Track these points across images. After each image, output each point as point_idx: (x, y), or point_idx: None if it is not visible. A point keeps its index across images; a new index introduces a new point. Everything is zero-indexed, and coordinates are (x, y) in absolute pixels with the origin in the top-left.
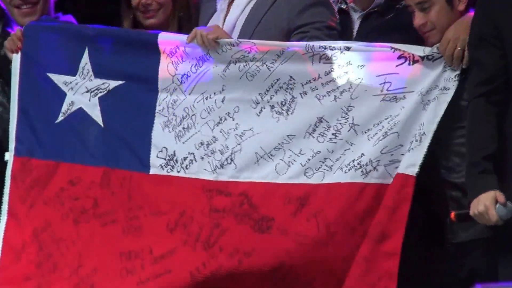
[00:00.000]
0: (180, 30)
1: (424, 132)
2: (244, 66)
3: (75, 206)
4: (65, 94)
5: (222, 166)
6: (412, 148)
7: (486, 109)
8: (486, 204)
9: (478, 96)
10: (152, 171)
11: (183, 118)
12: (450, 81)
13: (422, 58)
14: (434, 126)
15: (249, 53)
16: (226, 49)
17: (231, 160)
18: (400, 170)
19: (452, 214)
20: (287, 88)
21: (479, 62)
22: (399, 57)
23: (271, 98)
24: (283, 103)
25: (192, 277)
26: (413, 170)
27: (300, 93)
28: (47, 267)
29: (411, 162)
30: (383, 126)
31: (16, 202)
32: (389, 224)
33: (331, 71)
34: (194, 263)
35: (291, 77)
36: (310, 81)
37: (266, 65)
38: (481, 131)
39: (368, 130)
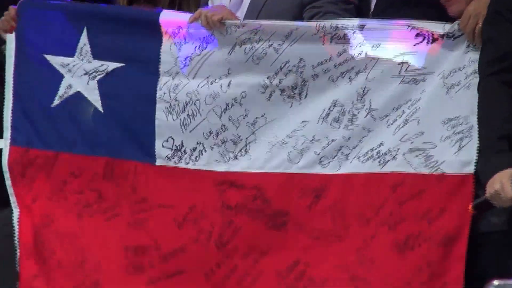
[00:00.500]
0: (180, 7)
1: (472, 126)
2: (250, 48)
3: (79, 201)
4: (63, 77)
5: (236, 157)
6: (463, 146)
7: (498, 87)
8: (502, 181)
9: (490, 75)
10: (159, 162)
11: (186, 104)
12: (477, 62)
13: (442, 36)
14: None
15: (255, 34)
16: (231, 31)
17: (246, 151)
18: (454, 170)
19: (470, 207)
20: (297, 71)
21: (492, 39)
22: (417, 35)
23: (280, 82)
24: (294, 86)
25: (207, 279)
26: (470, 169)
27: (312, 76)
28: (52, 264)
29: (466, 160)
30: (403, 112)
31: (20, 194)
32: (451, 228)
33: (344, 51)
34: (208, 263)
35: (300, 59)
36: (321, 63)
37: (273, 47)
38: (494, 111)
39: (387, 115)
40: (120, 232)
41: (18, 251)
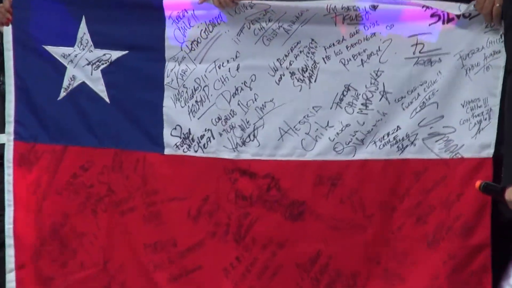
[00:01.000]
0: None
1: (490, 108)
2: (259, 29)
3: (90, 194)
4: (65, 68)
5: (244, 143)
6: (482, 129)
7: None
8: None
9: None
10: (167, 151)
11: (195, 90)
12: (497, 42)
13: (458, 16)
14: (498, 99)
15: (264, 15)
16: (240, 11)
17: (254, 136)
18: (472, 154)
19: (478, 183)
20: (308, 53)
21: None
22: (432, 15)
23: (290, 64)
24: (304, 69)
25: (226, 273)
26: (489, 152)
27: (323, 58)
28: (73, 266)
29: (484, 143)
30: (418, 94)
31: (24, 192)
32: (471, 214)
33: (357, 32)
34: (227, 257)
35: (312, 40)
36: (333, 44)
37: (284, 28)
38: None
39: (402, 98)
40: (137, 228)
41: (12, 251)
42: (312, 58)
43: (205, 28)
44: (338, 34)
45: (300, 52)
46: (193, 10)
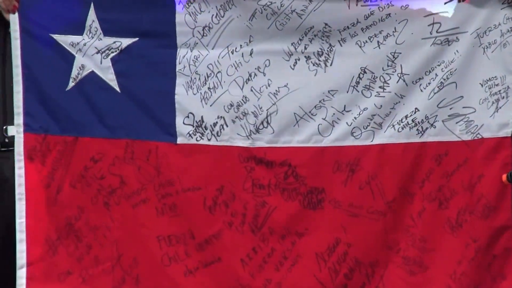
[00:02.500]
0: None
1: (508, 86)
2: (272, 14)
3: (102, 187)
4: (74, 57)
5: (257, 130)
6: (500, 107)
7: None
8: None
9: None
10: (180, 140)
11: (208, 77)
12: None
13: None
14: None
15: None
16: None
17: (267, 123)
18: (490, 133)
19: (504, 177)
20: (323, 37)
21: None
22: None
23: (305, 48)
24: (320, 53)
25: (244, 265)
26: (507, 131)
27: (338, 41)
28: (89, 260)
29: (502, 122)
30: (436, 75)
31: (37, 186)
32: (492, 196)
33: (371, 14)
34: (244, 249)
35: (326, 24)
36: (348, 27)
37: (296, 12)
38: None
39: (419, 79)
40: (150, 220)
41: (24, 246)
42: (327, 41)
43: (216, 13)
44: (352, 17)
45: (315, 36)
46: None
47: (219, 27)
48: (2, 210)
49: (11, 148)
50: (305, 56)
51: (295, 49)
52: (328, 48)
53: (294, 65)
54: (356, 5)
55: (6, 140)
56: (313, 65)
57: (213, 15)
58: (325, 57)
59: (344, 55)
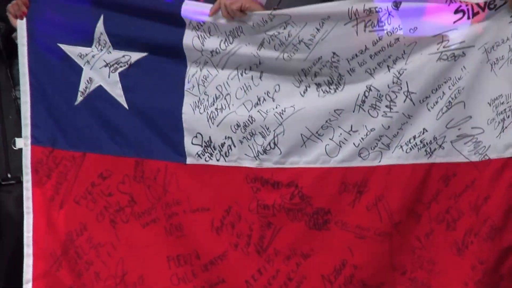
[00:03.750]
0: None
1: None
2: (280, 44)
3: (109, 204)
4: (82, 69)
5: (265, 151)
6: (506, 127)
7: None
8: None
9: None
10: (189, 160)
11: (216, 98)
12: None
13: (483, 7)
14: None
15: (284, 28)
16: (259, 25)
17: (275, 144)
18: (496, 154)
19: None
20: (331, 66)
21: None
22: (456, 11)
23: (315, 75)
24: (330, 81)
25: (249, 286)
26: None
27: (347, 71)
28: (88, 277)
29: (508, 142)
30: (443, 93)
31: (43, 199)
32: (499, 217)
33: (380, 39)
34: (249, 270)
35: (334, 53)
36: (356, 55)
37: (304, 43)
38: None
39: (426, 98)
40: (160, 240)
41: (30, 260)
42: (337, 70)
43: (225, 39)
44: (360, 44)
45: (323, 66)
46: (213, 20)
47: (226, 52)
48: (3, 247)
49: (12, 182)
50: (315, 83)
51: (306, 76)
52: (337, 76)
53: (304, 92)
54: (364, 31)
55: (9, 175)
56: (323, 92)
57: (221, 40)
58: (335, 85)
59: (354, 82)
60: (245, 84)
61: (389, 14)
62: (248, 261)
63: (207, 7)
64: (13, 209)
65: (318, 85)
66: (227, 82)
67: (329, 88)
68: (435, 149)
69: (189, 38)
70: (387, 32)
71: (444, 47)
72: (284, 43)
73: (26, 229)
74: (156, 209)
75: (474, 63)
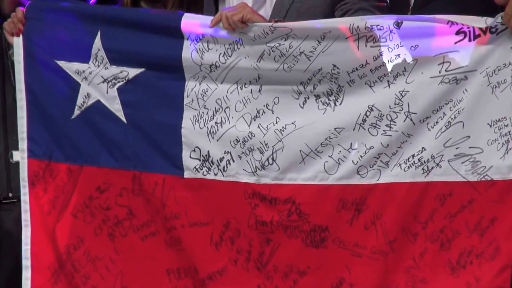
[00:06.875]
0: (189, 8)
1: None
2: (280, 56)
3: (107, 217)
4: (79, 85)
5: (263, 167)
6: (510, 149)
7: None
8: None
9: None
10: (187, 174)
11: (216, 112)
12: None
13: (484, 31)
14: None
15: (285, 40)
16: (259, 37)
17: (273, 160)
18: (501, 175)
19: None
20: (331, 78)
21: None
22: (458, 32)
23: (314, 87)
24: (330, 92)
25: None
26: None
27: (347, 82)
28: None
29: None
30: (444, 114)
31: (40, 212)
32: (503, 239)
33: (381, 55)
34: (249, 286)
35: (334, 66)
36: (357, 68)
37: (305, 54)
38: None
39: (427, 118)
40: (159, 253)
41: (29, 273)
42: (337, 82)
43: (224, 52)
44: (361, 59)
45: (323, 77)
46: (212, 33)
47: (226, 66)
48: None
49: (14, 200)
50: (314, 95)
51: (304, 88)
52: (337, 88)
53: (303, 104)
54: (366, 46)
55: (10, 194)
56: (323, 104)
57: (220, 53)
58: (335, 96)
59: (354, 94)
60: (244, 97)
61: (390, 31)
62: (248, 277)
63: (207, 19)
64: (13, 227)
65: (317, 96)
66: (226, 96)
67: (329, 99)
68: (432, 168)
69: (188, 52)
70: (388, 48)
71: (446, 70)
72: (284, 54)
73: (24, 242)
74: (156, 222)
75: (476, 86)
